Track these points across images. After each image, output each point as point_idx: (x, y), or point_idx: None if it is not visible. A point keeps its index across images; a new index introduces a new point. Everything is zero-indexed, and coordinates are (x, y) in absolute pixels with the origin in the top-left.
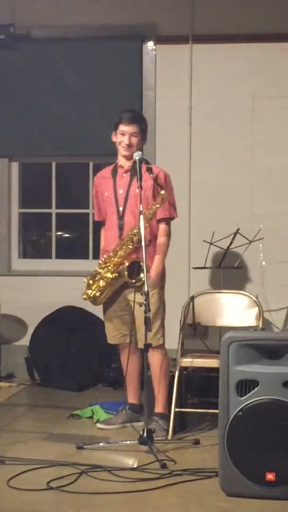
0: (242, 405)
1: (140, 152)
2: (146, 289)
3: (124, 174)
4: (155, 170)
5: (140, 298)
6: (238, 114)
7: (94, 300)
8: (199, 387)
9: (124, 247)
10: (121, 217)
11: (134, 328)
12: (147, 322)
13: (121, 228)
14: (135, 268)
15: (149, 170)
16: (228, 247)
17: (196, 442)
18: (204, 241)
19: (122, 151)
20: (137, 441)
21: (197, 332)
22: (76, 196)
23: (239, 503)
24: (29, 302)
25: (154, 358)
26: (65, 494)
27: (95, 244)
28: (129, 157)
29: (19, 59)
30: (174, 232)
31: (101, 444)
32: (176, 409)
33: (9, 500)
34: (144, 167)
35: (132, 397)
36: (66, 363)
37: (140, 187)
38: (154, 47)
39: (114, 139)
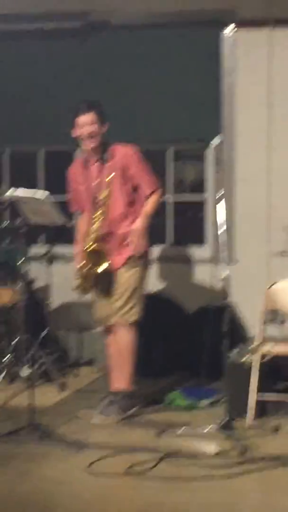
0: None
1: None
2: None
3: (94, 165)
4: (121, 151)
5: (127, 273)
6: None
7: (83, 290)
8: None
9: (96, 220)
10: (100, 206)
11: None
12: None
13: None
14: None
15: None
16: None
17: (276, 429)
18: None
19: (86, 143)
20: (217, 427)
21: (277, 319)
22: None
23: None
24: None
25: (125, 335)
26: (145, 479)
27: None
28: (95, 148)
29: (98, 47)
30: (253, 217)
31: (181, 430)
32: (258, 398)
33: (89, 485)
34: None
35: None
36: (145, 349)
37: None
38: (233, 32)
39: (74, 134)
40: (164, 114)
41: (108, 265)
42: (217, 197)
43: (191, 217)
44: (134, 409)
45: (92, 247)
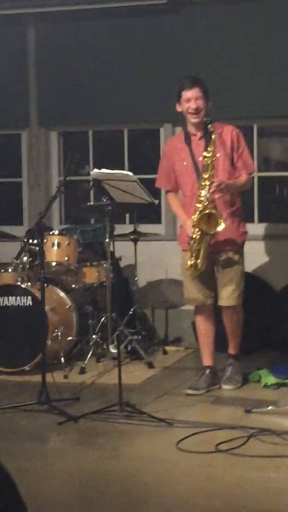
0: None
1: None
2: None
3: (199, 141)
4: (227, 129)
5: (235, 257)
6: None
7: (195, 268)
8: None
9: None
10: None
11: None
12: None
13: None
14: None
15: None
16: None
17: None
18: None
19: (191, 118)
20: None
21: None
22: None
23: None
24: None
25: (235, 316)
26: (233, 457)
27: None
28: (199, 124)
29: (181, 23)
30: None
31: (269, 407)
32: None
33: (178, 463)
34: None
35: (210, 360)
36: None
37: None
38: None
39: (179, 109)
40: (251, 89)
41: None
42: None
43: (278, 194)
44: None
45: (207, 211)
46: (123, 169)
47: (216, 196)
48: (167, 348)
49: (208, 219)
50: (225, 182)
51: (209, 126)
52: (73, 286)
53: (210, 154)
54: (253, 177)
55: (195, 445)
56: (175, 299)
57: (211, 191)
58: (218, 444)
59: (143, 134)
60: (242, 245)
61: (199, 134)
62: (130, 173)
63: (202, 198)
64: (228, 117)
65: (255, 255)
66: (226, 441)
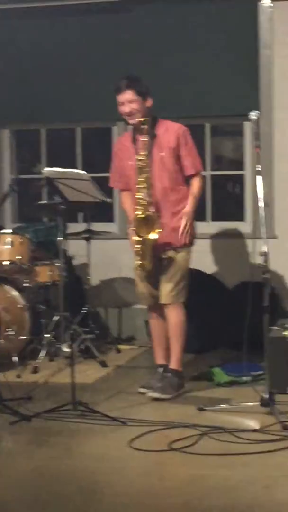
0: None
1: None
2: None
3: (142, 141)
4: (172, 127)
5: (177, 255)
6: None
7: (143, 268)
8: None
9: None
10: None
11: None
12: None
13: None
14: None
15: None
16: None
17: None
18: None
19: (128, 121)
20: (258, 403)
21: None
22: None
23: None
24: None
25: (173, 315)
26: (187, 455)
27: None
28: (138, 124)
29: (133, 21)
30: None
31: (222, 405)
32: None
33: (132, 461)
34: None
35: (163, 358)
36: (187, 325)
37: None
38: (271, 5)
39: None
40: (201, 87)
41: (158, 233)
42: (255, 172)
43: (230, 192)
44: (182, 389)
45: (143, 214)
46: (76, 167)
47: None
48: (121, 346)
49: (147, 222)
50: (188, 211)
51: (143, 126)
52: (26, 285)
53: (143, 158)
54: (204, 176)
55: (148, 443)
56: (128, 297)
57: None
58: (171, 443)
59: (95, 132)
60: (185, 244)
61: (141, 134)
62: (83, 172)
63: (140, 201)
64: (179, 116)
65: (208, 254)
66: (179, 440)
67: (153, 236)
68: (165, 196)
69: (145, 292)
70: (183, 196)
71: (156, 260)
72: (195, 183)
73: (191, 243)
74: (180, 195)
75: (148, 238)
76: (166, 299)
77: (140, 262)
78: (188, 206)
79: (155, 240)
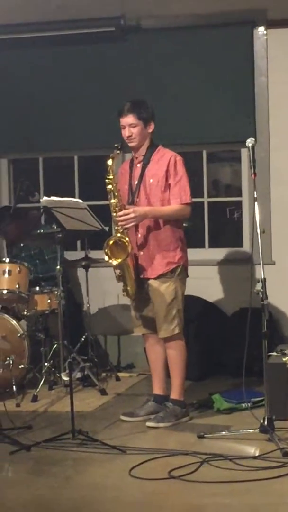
0: None
1: None
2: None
3: (137, 165)
4: (166, 156)
5: (161, 287)
6: None
7: (127, 294)
8: None
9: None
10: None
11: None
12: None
13: None
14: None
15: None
16: None
17: None
18: None
19: (127, 143)
20: (258, 429)
21: None
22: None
23: None
24: None
25: (171, 348)
26: (187, 483)
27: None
28: (136, 148)
29: (129, 50)
30: None
31: (222, 433)
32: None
33: (131, 490)
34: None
35: (157, 388)
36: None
37: None
38: (265, 32)
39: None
40: (197, 116)
41: (122, 260)
42: (253, 199)
43: (228, 219)
44: (186, 418)
45: (112, 239)
46: (74, 196)
47: (126, 226)
48: (120, 374)
49: (117, 246)
50: (137, 211)
51: (117, 151)
52: (25, 313)
53: (109, 181)
54: (202, 203)
55: (148, 472)
56: (127, 324)
57: (118, 220)
58: (171, 471)
59: (93, 160)
60: (168, 274)
61: (139, 157)
62: (80, 200)
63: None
64: (177, 143)
65: (206, 280)
66: (179, 467)
67: (115, 262)
68: (150, 223)
69: (136, 320)
70: (167, 223)
71: (142, 288)
72: (177, 206)
73: (172, 273)
74: (162, 223)
75: (118, 261)
76: (160, 333)
77: (124, 287)
78: (149, 209)
79: (125, 264)
